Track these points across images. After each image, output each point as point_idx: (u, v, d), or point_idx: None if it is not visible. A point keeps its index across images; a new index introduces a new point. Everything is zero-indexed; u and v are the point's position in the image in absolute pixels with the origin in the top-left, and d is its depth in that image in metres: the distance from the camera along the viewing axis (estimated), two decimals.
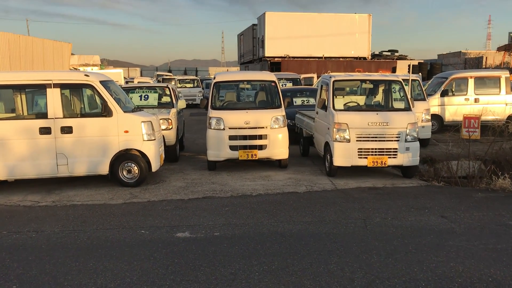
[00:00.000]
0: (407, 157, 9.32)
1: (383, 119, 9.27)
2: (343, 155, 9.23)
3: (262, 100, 11.10)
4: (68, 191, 8.67)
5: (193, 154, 12.94)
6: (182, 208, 7.41)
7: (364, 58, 35.46)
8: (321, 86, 10.73)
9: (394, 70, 31.71)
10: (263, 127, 10.08)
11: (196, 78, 33.10)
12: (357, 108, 9.89)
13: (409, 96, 10.01)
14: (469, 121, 10.61)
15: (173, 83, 31.58)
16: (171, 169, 10.62)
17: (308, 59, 33.67)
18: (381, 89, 10.71)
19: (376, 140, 9.26)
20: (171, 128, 11.22)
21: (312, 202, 7.67)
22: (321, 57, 33.95)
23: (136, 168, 8.82)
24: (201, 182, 9.22)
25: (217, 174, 10.01)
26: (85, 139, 8.57)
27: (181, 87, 30.86)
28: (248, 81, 10.89)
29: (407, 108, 9.73)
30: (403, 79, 10.52)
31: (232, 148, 10.02)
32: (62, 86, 8.57)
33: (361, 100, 10.87)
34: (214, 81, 10.78)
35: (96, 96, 8.79)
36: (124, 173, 8.87)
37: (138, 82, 22.78)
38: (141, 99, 12.36)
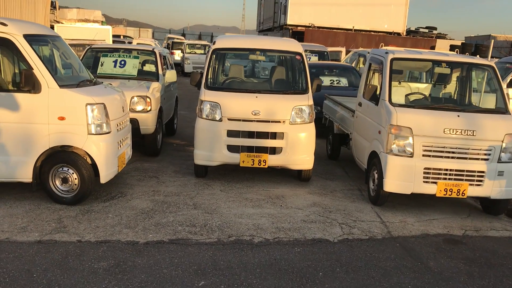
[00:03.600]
0: (498, 186, 5.99)
1: (468, 125, 5.90)
2: (401, 176, 5.91)
3: (280, 79, 7.72)
4: None
5: (183, 144, 9.69)
6: (126, 269, 4.20)
7: (398, 34, 31.52)
8: (369, 65, 7.31)
9: (432, 49, 27.88)
10: (279, 121, 6.77)
11: (207, 43, 29.57)
12: (426, 104, 6.49)
13: (505, 91, 6.58)
14: None
15: (182, 47, 28.22)
16: (144, 170, 7.40)
17: (335, 30, 29.85)
18: (455, 76, 7.26)
19: (453, 157, 5.92)
20: (150, 110, 7.95)
21: (356, 270, 4.42)
22: (351, 29, 30.09)
23: (75, 176, 5.61)
24: (177, 202, 5.99)
25: (206, 186, 6.76)
26: None
27: (190, 53, 27.47)
28: (264, 51, 7.51)
29: (502, 110, 6.33)
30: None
31: (232, 149, 6.76)
32: None
33: (425, 90, 7.46)
34: (214, 47, 7.43)
35: (16, 60, 5.53)
36: (57, 182, 5.66)
37: (138, 44, 19.37)
38: (115, 66, 9.03)
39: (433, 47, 28.41)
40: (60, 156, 5.59)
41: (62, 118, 5.44)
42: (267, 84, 7.66)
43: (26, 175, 5.52)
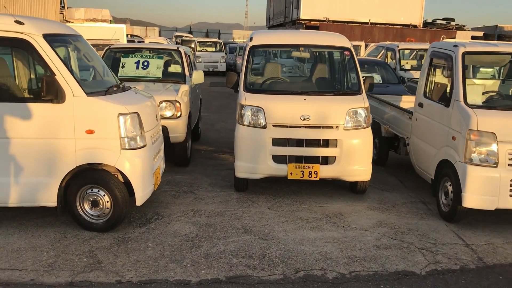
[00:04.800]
0: None
1: None
2: (484, 189, 5.06)
3: (327, 79, 6.88)
4: None
5: (211, 150, 8.90)
6: None
7: (415, 26, 30.49)
8: (430, 61, 6.44)
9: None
10: (331, 127, 5.94)
11: (218, 41, 28.76)
12: (508, 105, 5.63)
13: None
14: None
15: (192, 45, 27.40)
16: (176, 183, 6.59)
17: (350, 24, 28.89)
18: None
19: None
20: (179, 116, 7.14)
21: None
22: (367, 22, 29.11)
23: (107, 198, 4.80)
24: (223, 224, 5.17)
25: (250, 203, 5.93)
26: (12, 143, 4.57)
27: (201, 51, 26.65)
28: (308, 47, 6.67)
29: None
30: None
31: (278, 159, 5.93)
32: None
33: (493, 87, 6.58)
34: (251, 44, 6.59)
35: (35, 64, 4.73)
36: (86, 206, 4.86)
37: (149, 43, 18.52)
38: (137, 67, 8.21)
39: (453, 39, 27.36)
40: (89, 176, 4.79)
41: (90, 132, 4.63)
42: (314, 85, 6.80)
43: (50, 198, 4.72)
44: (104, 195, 4.79)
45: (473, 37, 26.06)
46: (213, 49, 27.29)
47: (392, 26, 29.47)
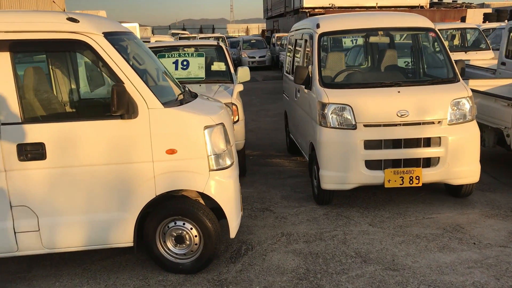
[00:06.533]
0: None
1: None
2: None
3: (413, 65, 5.94)
4: None
5: (257, 154, 7.99)
6: None
7: (422, 7, 29.57)
8: None
9: (463, 19, 25.97)
10: (432, 122, 5.02)
11: (222, 36, 27.75)
12: None
13: None
14: None
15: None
16: (245, 199, 5.66)
17: (357, 9, 27.89)
18: None
19: None
20: (237, 120, 6.21)
21: None
22: (374, 7, 28.10)
23: (194, 232, 3.86)
24: (331, 252, 4.24)
25: (345, 220, 5.00)
26: (75, 173, 3.62)
27: None
28: (387, 30, 5.74)
29: None
30: None
31: (371, 165, 5.01)
32: (16, 46, 3.53)
33: None
34: (320, 31, 5.65)
35: (98, 69, 3.78)
36: (169, 243, 3.92)
37: (156, 42, 17.48)
38: (176, 68, 7.24)
39: (463, 18, 26.49)
40: (170, 206, 3.85)
41: (172, 151, 3.68)
42: (403, 74, 5.85)
43: (125, 237, 3.78)
44: (191, 229, 3.85)
45: (485, 14, 25.22)
46: None
47: (400, 9, 28.52)
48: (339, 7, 27.85)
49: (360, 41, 6.30)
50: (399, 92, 5.09)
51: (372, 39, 5.89)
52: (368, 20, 5.87)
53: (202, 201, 4.01)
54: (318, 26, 5.75)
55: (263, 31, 43.48)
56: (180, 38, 30.23)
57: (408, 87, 5.22)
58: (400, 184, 5.01)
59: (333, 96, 5.11)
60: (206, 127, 3.72)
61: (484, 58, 12.18)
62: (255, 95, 15.41)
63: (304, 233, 4.65)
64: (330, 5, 27.69)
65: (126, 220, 3.73)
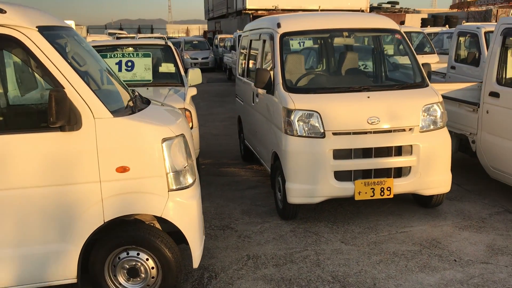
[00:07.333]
0: None
1: None
2: None
3: (380, 69, 5.62)
4: None
5: (209, 162, 7.47)
6: None
7: (362, 11, 30.05)
8: (503, 40, 5.35)
9: (402, 24, 26.62)
10: (403, 130, 4.72)
11: (162, 36, 26.79)
12: None
13: None
14: None
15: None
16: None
17: (300, 12, 27.91)
18: None
19: None
20: (192, 127, 5.65)
21: None
22: (317, 10, 28.19)
23: (151, 263, 3.29)
24: (306, 278, 3.79)
25: (314, 237, 4.59)
26: (4, 195, 2.94)
27: None
28: (352, 31, 5.39)
29: None
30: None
31: (341, 176, 4.63)
32: None
33: None
34: (281, 31, 5.22)
35: (30, 71, 3.12)
36: (120, 277, 3.32)
37: (93, 41, 16.44)
38: (120, 69, 6.57)
39: (402, 22, 27.17)
40: (122, 234, 3.25)
41: (123, 169, 3.09)
42: (370, 78, 5.50)
43: (66, 272, 3.14)
44: (147, 259, 3.27)
45: (423, 19, 26.01)
46: None
47: None
48: (282, 10, 27.74)
49: (317, 42, 5.90)
50: (368, 97, 4.76)
51: (337, 40, 5.53)
52: (332, 20, 5.51)
53: (158, 225, 3.46)
54: (279, 25, 5.31)
55: (204, 32, 42.82)
56: (118, 38, 28.94)
57: (377, 91, 4.90)
58: (371, 196, 4.67)
59: (299, 102, 4.69)
60: (164, 140, 3.16)
61: (430, 61, 12.31)
62: (201, 98, 14.76)
63: (272, 255, 4.18)
64: (274, 7, 27.53)
65: (68, 253, 3.09)
